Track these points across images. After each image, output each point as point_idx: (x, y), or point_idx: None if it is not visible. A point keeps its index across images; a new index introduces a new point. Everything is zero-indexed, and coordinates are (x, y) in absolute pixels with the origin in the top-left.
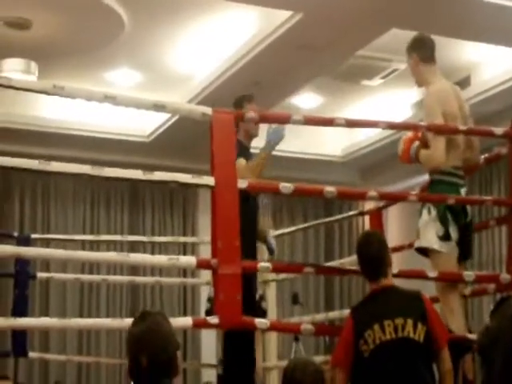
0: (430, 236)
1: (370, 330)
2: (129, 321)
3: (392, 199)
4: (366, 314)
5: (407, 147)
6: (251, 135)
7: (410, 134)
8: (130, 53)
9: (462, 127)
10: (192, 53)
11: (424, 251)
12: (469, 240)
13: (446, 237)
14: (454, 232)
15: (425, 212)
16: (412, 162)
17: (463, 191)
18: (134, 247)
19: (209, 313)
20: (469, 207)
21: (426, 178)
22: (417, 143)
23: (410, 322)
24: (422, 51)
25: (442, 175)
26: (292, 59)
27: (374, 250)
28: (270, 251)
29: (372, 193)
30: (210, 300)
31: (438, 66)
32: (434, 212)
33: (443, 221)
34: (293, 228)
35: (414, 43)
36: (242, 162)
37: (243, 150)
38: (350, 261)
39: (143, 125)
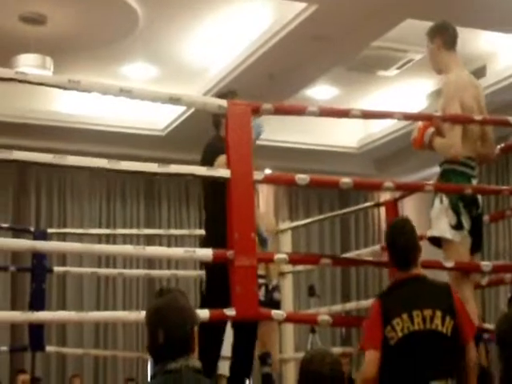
0: (442, 225)
1: (398, 318)
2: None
3: (408, 189)
4: (394, 301)
5: (422, 133)
6: None
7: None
8: (145, 47)
9: (477, 117)
10: (207, 46)
11: (436, 241)
12: (480, 231)
13: (458, 226)
14: (466, 221)
15: (437, 201)
16: (425, 147)
17: (475, 182)
18: (150, 240)
19: None
20: (480, 199)
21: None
22: (432, 129)
23: (438, 314)
24: (446, 36)
25: (454, 165)
26: (307, 51)
27: (407, 238)
28: (263, 242)
29: (388, 183)
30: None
31: None
32: (446, 201)
33: (455, 210)
34: (308, 220)
35: (437, 27)
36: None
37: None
38: (367, 252)
39: (158, 119)
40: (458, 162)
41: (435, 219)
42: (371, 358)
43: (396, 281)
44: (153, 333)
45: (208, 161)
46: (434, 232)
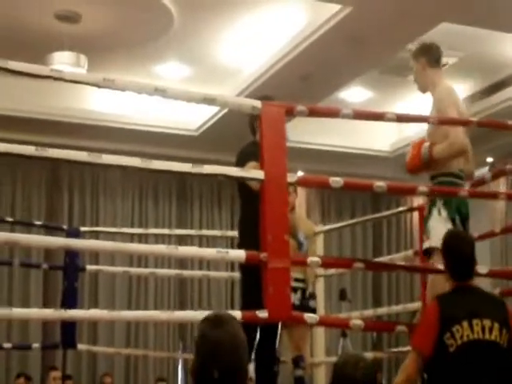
0: (441, 236)
1: (458, 325)
2: (178, 313)
3: (442, 194)
4: (454, 308)
5: (417, 150)
6: None
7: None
8: (179, 46)
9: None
10: (240, 47)
11: (429, 252)
12: None
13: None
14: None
15: (435, 213)
16: (421, 167)
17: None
18: (181, 241)
19: None
20: (468, 209)
21: (475, 173)
22: (428, 143)
23: (496, 325)
24: (430, 55)
25: (450, 177)
26: (341, 53)
27: (469, 250)
28: (299, 246)
29: (422, 188)
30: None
31: (487, 61)
32: (444, 213)
33: (453, 223)
34: (340, 224)
35: (421, 48)
36: (255, 165)
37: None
38: (399, 257)
39: (191, 119)
40: (453, 174)
41: (434, 230)
42: (416, 359)
43: (455, 288)
44: (206, 367)
45: (240, 165)
46: (433, 243)
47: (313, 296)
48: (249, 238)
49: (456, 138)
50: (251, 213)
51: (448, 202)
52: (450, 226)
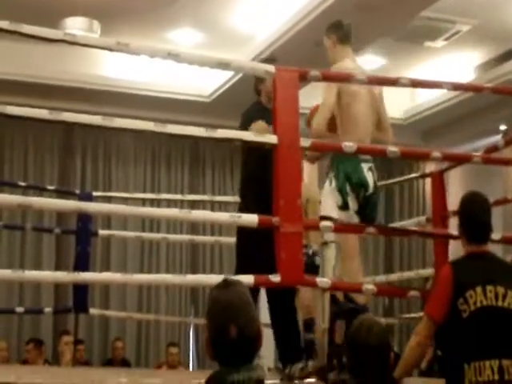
0: (329, 205)
1: (471, 291)
2: (191, 277)
3: (456, 160)
4: (467, 273)
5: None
6: (271, 98)
7: None
8: (193, 12)
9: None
10: (254, 12)
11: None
12: (369, 211)
13: (344, 206)
14: (352, 202)
15: (327, 183)
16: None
17: (366, 166)
18: (194, 206)
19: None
20: (370, 182)
21: (488, 140)
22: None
23: (510, 293)
24: (340, 33)
25: None
26: (354, 20)
27: (489, 213)
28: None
29: (436, 153)
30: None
31: (501, 29)
32: (334, 183)
33: (342, 192)
34: None
35: (332, 25)
36: (262, 124)
37: (265, 112)
38: (411, 223)
39: (204, 85)
40: None
41: (324, 199)
42: (429, 324)
43: (469, 253)
44: (222, 327)
45: (244, 127)
46: (322, 212)
47: (317, 253)
48: (253, 200)
49: (315, 124)
50: (257, 174)
51: (337, 173)
52: (337, 195)
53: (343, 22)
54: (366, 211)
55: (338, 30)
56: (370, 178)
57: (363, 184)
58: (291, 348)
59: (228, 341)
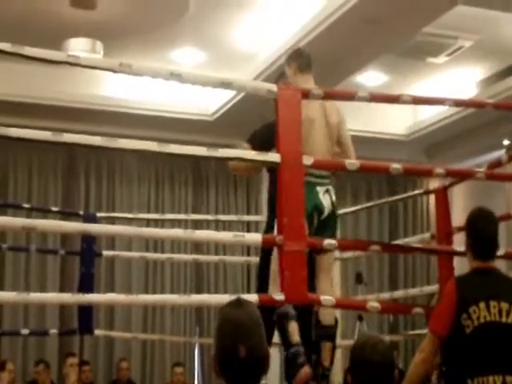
0: None
1: (475, 306)
2: (196, 297)
3: (459, 176)
4: (471, 289)
5: None
6: None
7: None
8: (195, 32)
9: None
10: (256, 31)
11: None
12: (326, 234)
13: None
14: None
15: None
16: None
17: (322, 189)
18: (198, 226)
19: None
20: (327, 204)
21: (491, 155)
22: None
23: None
24: (299, 61)
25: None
26: (357, 36)
27: (493, 230)
28: None
29: (439, 170)
30: None
31: (502, 44)
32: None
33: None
34: (356, 207)
35: (292, 54)
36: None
37: None
38: (416, 240)
39: (207, 104)
40: (308, 174)
41: None
42: (433, 340)
43: (474, 269)
44: (231, 347)
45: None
46: None
47: None
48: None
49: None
50: (270, 194)
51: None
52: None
53: (304, 51)
54: (324, 234)
55: (298, 59)
56: (325, 200)
57: (318, 208)
58: None
59: (236, 361)
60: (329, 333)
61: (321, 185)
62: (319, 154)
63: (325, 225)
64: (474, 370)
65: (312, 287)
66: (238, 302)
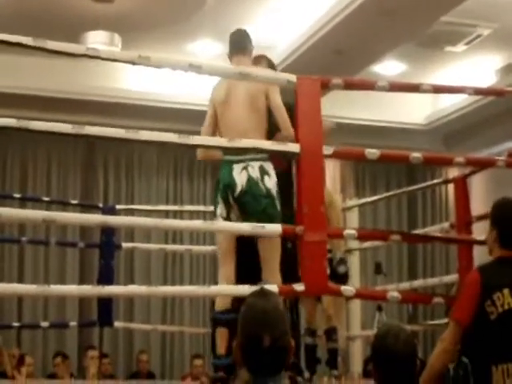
0: None
1: (499, 293)
2: (215, 288)
3: (479, 165)
4: (495, 276)
5: None
6: None
7: None
8: (212, 24)
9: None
10: (274, 22)
11: None
12: (243, 211)
13: (214, 214)
14: (220, 209)
15: None
16: None
17: (239, 166)
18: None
19: None
20: (240, 181)
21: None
22: None
23: None
24: (229, 48)
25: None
26: (375, 26)
27: None
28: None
29: (459, 158)
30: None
31: None
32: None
33: (215, 201)
34: (375, 197)
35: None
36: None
37: None
38: (435, 229)
39: None
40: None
41: None
42: (455, 330)
43: (499, 257)
44: (256, 336)
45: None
46: None
47: (342, 261)
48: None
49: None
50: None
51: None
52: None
53: (231, 35)
54: (246, 211)
55: (228, 45)
56: (240, 178)
57: (229, 186)
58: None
59: (260, 350)
60: (220, 318)
61: (238, 162)
62: (234, 133)
63: (243, 202)
64: (498, 356)
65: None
66: (263, 292)
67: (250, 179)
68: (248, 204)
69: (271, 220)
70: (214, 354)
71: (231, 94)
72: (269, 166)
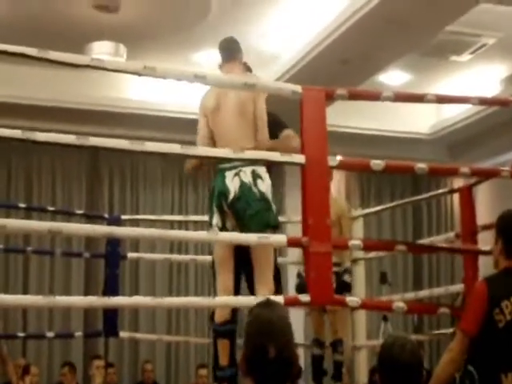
0: None
1: (507, 301)
2: (220, 299)
3: (484, 175)
4: (501, 285)
5: None
6: None
7: None
8: (217, 33)
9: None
10: (279, 32)
11: None
12: (238, 217)
13: (210, 224)
14: (216, 218)
15: None
16: None
17: (231, 173)
18: None
19: (299, 288)
20: (233, 187)
21: None
22: None
23: None
24: (220, 54)
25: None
26: (380, 36)
27: None
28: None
29: (464, 169)
30: (299, 276)
31: None
32: None
33: (210, 209)
34: (380, 207)
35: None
36: (290, 131)
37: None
38: (440, 239)
39: None
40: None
41: None
42: (463, 340)
43: (505, 268)
44: (261, 347)
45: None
46: None
47: (347, 271)
48: None
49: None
50: None
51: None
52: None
53: (221, 43)
54: (240, 217)
55: (219, 53)
56: (233, 184)
57: (223, 194)
58: None
59: (266, 360)
60: (220, 330)
61: (230, 169)
62: (224, 141)
63: (236, 208)
64: (507, 364)
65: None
66: (268, 303)
67: (242, 185)
68: (241, 209)
69: (266, 224)
70: (216, 365)
71: (221, 103)
72: (261, 170)
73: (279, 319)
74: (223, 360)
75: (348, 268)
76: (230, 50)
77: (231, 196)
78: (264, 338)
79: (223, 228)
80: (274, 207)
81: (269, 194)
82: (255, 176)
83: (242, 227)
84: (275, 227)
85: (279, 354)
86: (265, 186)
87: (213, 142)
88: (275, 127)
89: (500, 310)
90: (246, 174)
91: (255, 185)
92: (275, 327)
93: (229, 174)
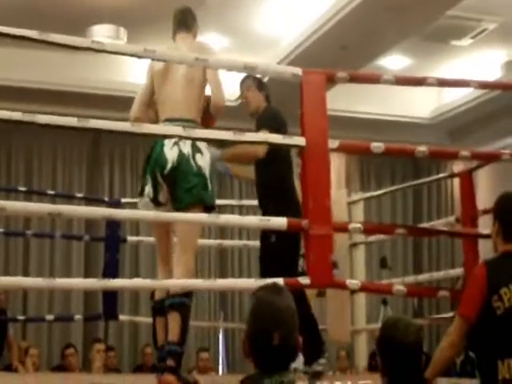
0: None
1: (505, 288)
2: (220, 282)
3: (485, 159)
4: (501, 271)
5: None
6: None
7: None
8: (218, 17)
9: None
10: (279, 16)
11: None
12: (172, 190)
13: (140, 192)
14: (148, 188)
15: None
16: None
17: (169, 142)
18: (222, 211)
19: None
20: (171, 157)
21: None
22: None
23: None
24: (173, 25)
25: None
26: (380, 20)
27: None
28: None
29: (464, 152)
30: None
31: None
32: None
33: (142, 179)
34: (380, 191)
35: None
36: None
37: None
38: (440, 223)
39: (231, 89)
40: None
41: None
42: (463, 326)
43: (504, 252)
44: (266, 332)
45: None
46: None
47: (335, 265)
48: (274, 202)
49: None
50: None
51: None
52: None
53: (175, 12)
54: (175, 189)
55: (172, 23)
56: (171, 153)
57: (159, 163)
58: (312, 346)
59: (269, 347)
60: (172, 301)
61: (170, 137)
62: (168, 110)
63: (171, 180)
64: (504, 351)
65: None
66: (275, 288)
67: (180, 155)
68: (177, 182)
69: (200, 200)
70: (156, 342)
71: (170, 67)
72: (202, 145)
73: (286, 306)
74: (173, 336)
75: (335, 262)
76: (184, 20)
77: (168, 166)
78: (270, 324)
79: (155, 200)
80: (211, 187)
81: (207, 171)
82: (195, 149)
83: (174, 201)
84: (210, 208)
85: (283, 342)
86: (204, 161)
87: (148, 107)
88: (263, 123)
89: (499, 297)
90: (186, 145)
91: (193, 158)
92: (282, 315)
93: (167, 143)
